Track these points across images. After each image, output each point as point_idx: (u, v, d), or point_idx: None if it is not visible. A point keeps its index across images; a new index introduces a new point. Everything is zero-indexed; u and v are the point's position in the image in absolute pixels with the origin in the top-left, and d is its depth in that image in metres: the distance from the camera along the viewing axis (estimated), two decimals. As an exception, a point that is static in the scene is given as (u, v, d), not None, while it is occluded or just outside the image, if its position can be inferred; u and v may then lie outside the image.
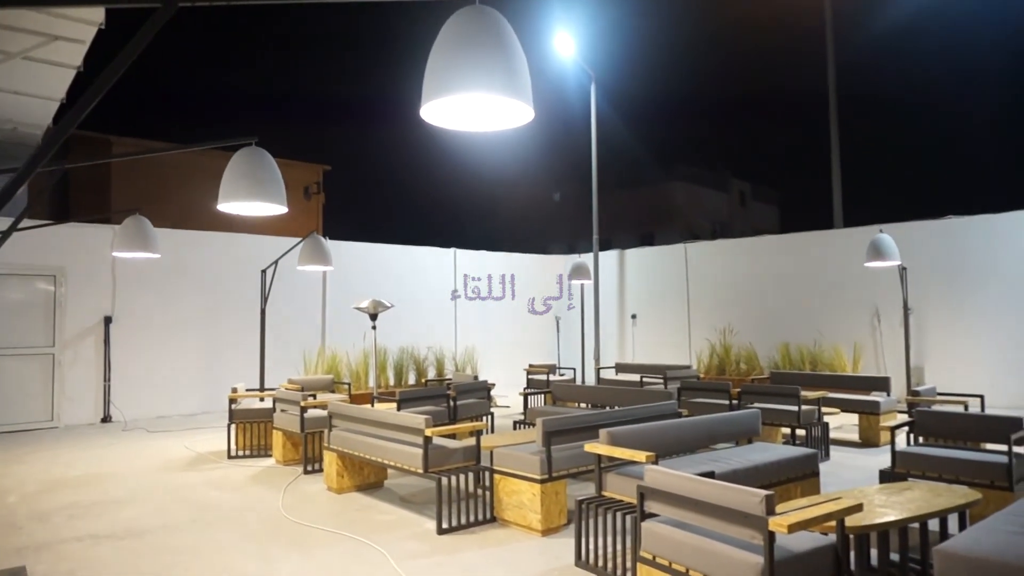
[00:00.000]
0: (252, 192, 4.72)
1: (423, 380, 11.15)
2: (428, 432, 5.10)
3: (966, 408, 6.65)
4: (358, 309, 9.28)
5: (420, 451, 5.16)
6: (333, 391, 9.35)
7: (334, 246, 12.64)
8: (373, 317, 9.27)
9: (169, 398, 11.04)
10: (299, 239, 9.08)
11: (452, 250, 14.38)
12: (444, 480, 5.03)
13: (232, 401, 7.79)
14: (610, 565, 4.08)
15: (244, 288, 11.70)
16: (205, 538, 4.91)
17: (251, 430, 7.78)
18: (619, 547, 4.27)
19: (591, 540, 4.43)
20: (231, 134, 4.79)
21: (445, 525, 4.99)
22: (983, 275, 11.03)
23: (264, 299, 8.70)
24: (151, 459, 7.71)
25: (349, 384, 9.33)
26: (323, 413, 6.93)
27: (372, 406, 7.76)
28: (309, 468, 6.91)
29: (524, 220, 43.59)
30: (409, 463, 5.25)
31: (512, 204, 45.22)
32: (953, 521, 4.54)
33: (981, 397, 7.21)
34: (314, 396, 7.90)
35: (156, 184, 18.22)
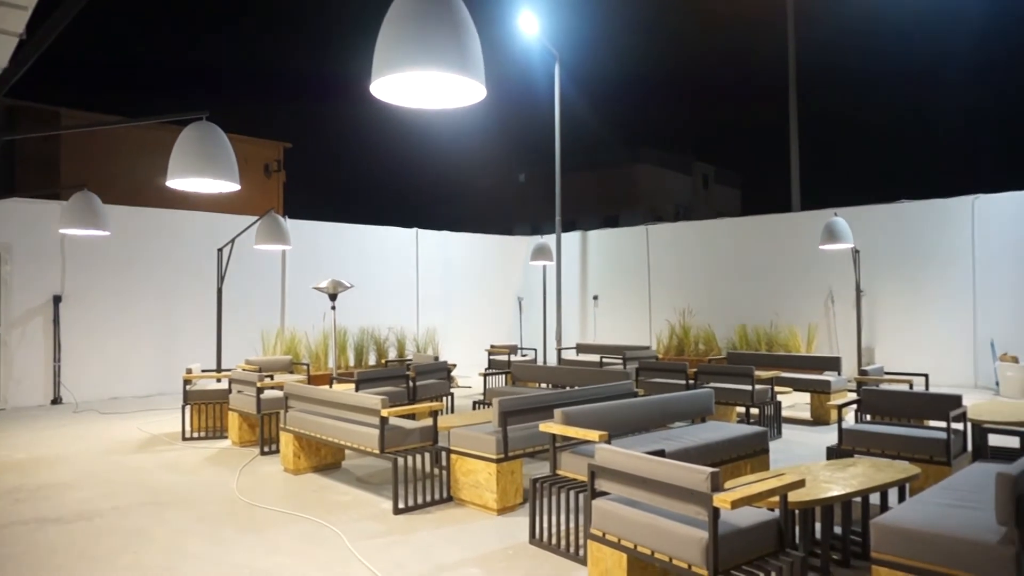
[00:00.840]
0: (202, 168, 4.61)
1: (383, 361, 11.09)
2: (384, 412, 5.08)
3: (911, 387, 6.86)
4: (317, 289, 9.17)
5: (376, 432, 5.14)
6: (292, 372, 9.25)
7: (294, 225, 12.46)
8: (333, 297, 9.18)
9: (122, 379, 10.81)
10: (257, 217, 8.92)
11: (414, 230, 14.28)
12: (401, 460, 5.03)
13: (187, 382, 7.66)
14: (563, 543, 4.14)
15: (201, 267, 11.47)
16: (156, 521, 4.84)
17: (206, 411, 7.66)
18: (572, 525, 4.33)
19: (545, 518, 4.49)
20: (188, 109, 4.67)
21: (401, 505, 4.99)
22: (932, 258, 11.35)
23: (220, 278, 8.54)
24: (102, 441, 7.55)
25: (308, 365, 9.23)
26: (280, 394, 6.86)
27: (331, 387, 7.70)
28: (266, 449, 6.84)
29: (490, 201, 43.47)
30: (365, 443, 5.24)
31: (478, 185, 45.03)
32: (894, 495, 4.70)
33: (926, 376, 7.45)
34: (271, 377, 7.80)
35: (109, 159, 17.70)
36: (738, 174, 46.47)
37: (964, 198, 11.11)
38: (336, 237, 13.24)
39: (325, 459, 6.20)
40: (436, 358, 9.42)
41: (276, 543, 4.36)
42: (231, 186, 4.83)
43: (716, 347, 12.60)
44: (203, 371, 8.27)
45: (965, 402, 6.44)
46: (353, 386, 7.41)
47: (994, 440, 6.54)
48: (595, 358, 10.66)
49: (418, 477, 5.45)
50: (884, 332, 11.71)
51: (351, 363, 11.36)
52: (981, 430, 5.40)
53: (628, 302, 15.04)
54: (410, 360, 9.97)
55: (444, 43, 2.62)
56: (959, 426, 5.13)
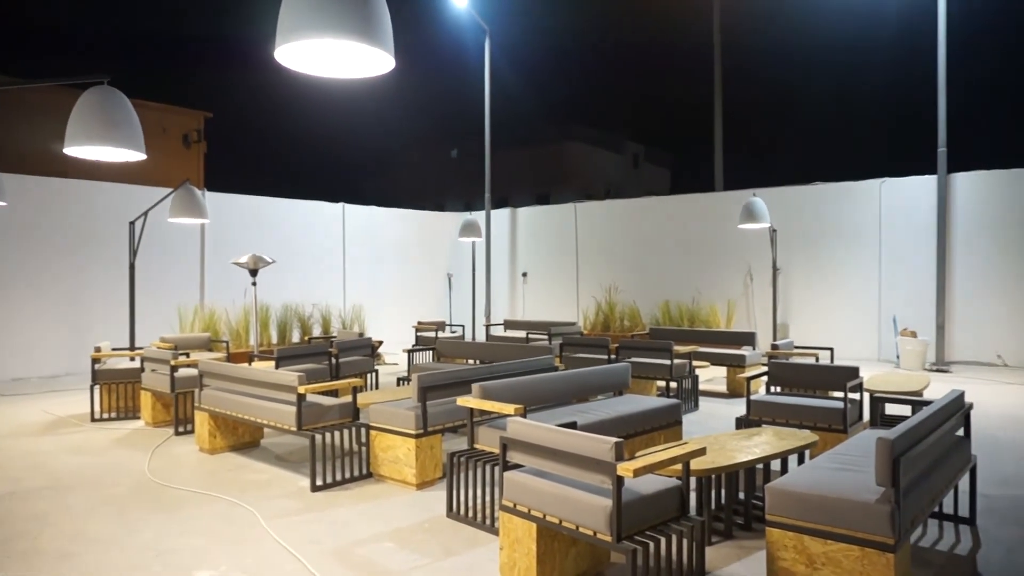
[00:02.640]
0: (103, 135, 4.39)
1: (307, 338, 10.90)
2: (302, 389, 5.00)
3: (816, 360, 7.21)
4: (237, 264, 8.90)
5: (294, 409, 5.06)
6: (211, 350, 8.98)
7: (215, 198, 12.02)
8: (253, 273, 8.93)
9: (26, 359, 10.26)
10: (172, 190, 8.55)
11: (341, 205, 13.99)
12: (319, 437, 4.97)
13: (95, 361, 7.34)
14: (479, 515, 4.19)
15: (112, 241, 10.94)
16: (59, 504, 4.64)
17: (117, 391, 7.37)
18: (488, 498, 4.39)
19: (462, 492, 4.53)
20: (89, 72, 4.42)
21: (319, 482, 4.95)
22: (842, 238, 11.89)
23: (133, 253, 8.17)
24: (3, 425, 7.17)
25: (228, 342, 8.98)
26: (196, 372, 6.66)
27: (251, 365, 7.52)
28: (181, 429, 6.64)
29: (421, 177, 42.99)
30: (283, 421, 5.15)
31: (408, 160, 44.42)
32: (794, 462, 4.95)
33: (831, 350, 7.84)
34: (187, 355, 7.55)
35: (9, 126, 16.60)
36: (668, 154, 47.34)
37: (872, 181, 11.66)
38: (259, 211, 12.84)
39: (243, 438, 6.07)
40: (361, 335, 9.31)
41: (187, 523, 4.26)
42: (135, 155, 4.61)
43: (640, 323, 12.90)
44: (114, 349, 7.93)
45: (867, 374, 6.82)
46: (273, 364, 7.26)
47: (891, 409, 6.95)
48: (522, 334, 10.76)
49: (337, 454, 5.41)
50: (798, 308, 12.24)
51: (274, 340, 11.11)
52: (877, 400, 5.73)
53: (556, 279, 15.21)
54: (334, 337, 9.83)
55: (348, 11, 2.56)
56: (856, 396, 5.44)
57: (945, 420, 3.66)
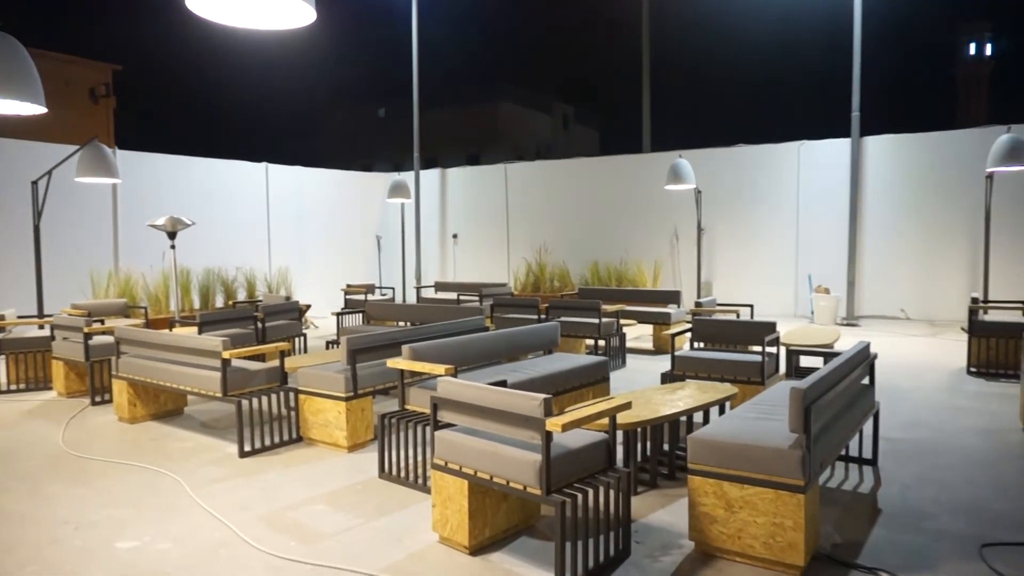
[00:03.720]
0: (-3, 88, 4.07)
1: (231, 302, 10.58)
2: (226, 354, 4.87)
3: (737, 316, 7.49)
4: (154, 227, 8.52)
5: (218, 374, 4.93)
6: (128, 316, 8.62)
7: (127, 157, 11.39)
8: (172, 236, 8.57)
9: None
10: (78, 147, 8.05)
11: (264, 165, 13.50)
12: (245, 403, 4.88)
13: None
14: (411, 475, 4.23)
15: (14, 202, 10.25)
16: (-35, 480, 4.41)
17: (26, 361, 7.00)
18: (419, 458, 4.42)
19: (394, 453, 4.55)
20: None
21: (248, 448, 4.87)
22: (763, 199, 12.30)
23: (37, 215, 7.68)
24: (-102, 398, 6.72)
25: (146, 308, 8.63)
26: (112, 340, 6.38)
27: (171, 331, 7.26)
28: (97, 399, 6.39)
29: (348, 136, 41.87)
30: (207, 387, 5.02)
31: (334, 120, 43.13)
32: (715, 413, 5.18)
33: (751, 307, 8.16)
34: (102, 322, 7.22)
35: None
36: (597, 115, 47.56)
37: (791, 144, 12.06)
38: (176, 171, 12.25)
39: (165, 406, 5.89)
40: (288, 298, 9.11)
41: (108, 495, 4.13)
42: (35, 108, 4.31)
43: (570, 283, 13.08)
44: (20, 317, 7.50)
45: (784, 329, 7.14)
46: (196, 329, 7.03)
47: (805, 361, 7.32)
48: (453, 296, 10.75)
49: (265, 419, 5.32)
50: (721, 267, 12.65)
51: (196, 306, 10.74)
52: (792, 353, 6.02)
53: (487, 240, 15.20)
54: (260, 301, 9.58)
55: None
56: (773, 350, 5.70)
57: (852, 370, 3.88)
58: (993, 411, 5.67)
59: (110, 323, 7.46)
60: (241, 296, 11.48)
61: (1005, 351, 6.83)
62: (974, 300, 7.17)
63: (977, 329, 6.97)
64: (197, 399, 6.45)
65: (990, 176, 8.58)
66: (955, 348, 8.56)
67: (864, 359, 4.19)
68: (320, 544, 3.41)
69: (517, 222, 14.83)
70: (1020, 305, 6.98)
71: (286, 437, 5.09)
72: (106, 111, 20.07)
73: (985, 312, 7.34)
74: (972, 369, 7.04)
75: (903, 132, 11.33)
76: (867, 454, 4.53)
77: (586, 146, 44.51)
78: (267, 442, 4.99)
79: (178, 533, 3.57)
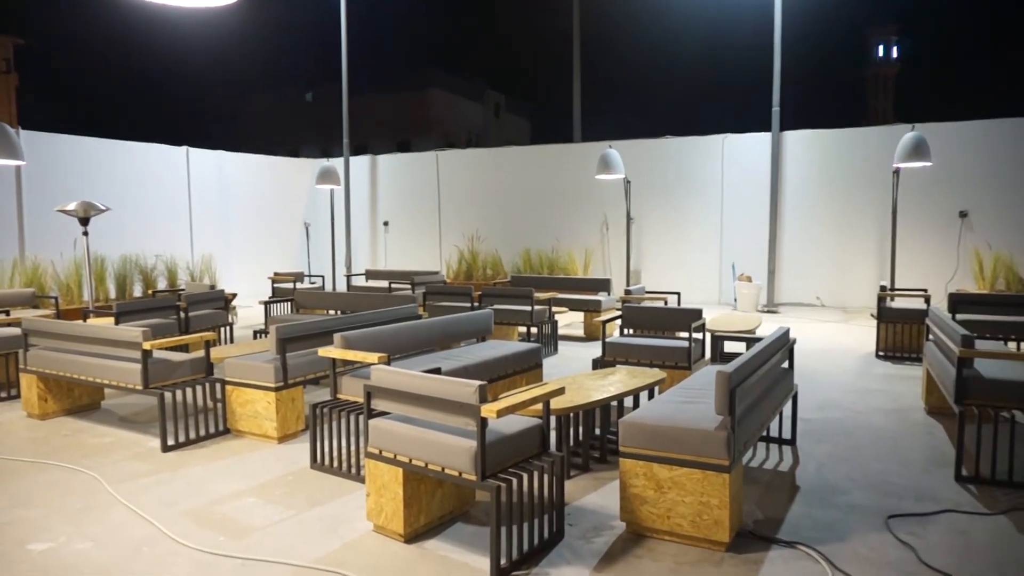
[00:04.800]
0: None
1: (151, 291, 10.15)
2: (147, 345, 4.68)
3: (665, 303, 7.70)
4: (64, 212, 8.06)
5: (139, 366, 4.74)
6: (36, 306, 8.15)
7: (33, 138, 10.73)
8: (84, 222, 8.12)
9: None
10: (-24, 126, 7.51)
11: (184, 148, 12.95)
12: (168, 395, 4.70)
13: None
14: (344, 465, 4.18)
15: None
16: None
17: (-78, 355, 6.52)
18: (352, 447, 4.37)
19: (326, 442, 4.48)
20: None
21: (171, 442, 4.70)
22: (689, 190, 12.64)
23: (-69, 198, 7.16)
24: None
25: (56, 298, 8.18)
26: (18, 331, 6.02)
27: (85, 321, 6.91)
28: (3, 395, 6.03)
29: (274, 121, 40.62)
30: (126, 380, 4.81)
31: (259, 104, 41.77)
32: (645, 397, 5.32)
33: (678, 294, 8.40)
34: (6, 312, 6.81)
35: None
36: (529, 104, 47.71)
37: (716, 137, 12.43)
38: (88, 154, 11.61)
39: (79, 400, 5.61)
40: (212, 287, 8.80)
41: (19, 495, 3.92)
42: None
43: (502, 271, 13.14)
44: (-85, 308, 6.99)
45: (709, 316, 7.38)
46: (113, 320, 6.72)
47: (729, 347, 7.59)
48: (385, 284, 10.62)
49: (190, 412, 5.15)
50: (649, 255, 12.95)
51: (112, 295, 10.25)
52: (717, 339, 6.24)
53: (419, 228, 15.07)
54: (182, 290, 9.22)
55: (188, -70, 2.34)
56: (699, 336, 5.89)
57: (773, 355, 4.06)
58: (898, 392, 6.04)
59: (16, 314, 7.04)
60: (161, 285, 11.02)
61: (909, 336, 7.27)
62: (882, 288, 7.60)
63: (884, 315, 7.39)
64: (115, 392, 6.17)
65: (896, 171, 9.08)
66: (865, 333, 9.06)
67: (784, 344, 4.39)
68: (250, 538, 3.34)
69: (449, 210, 14.76)
70: (923, 293, 7.44)
71: (212, 430, 4.94)
72: (7, 88, 18.82)
73: (892, 299, 7.78)
74: (880, 353, 7.47)
75: (820, 128, 11.85)
76: (787, 435, 4.76)
77: (517, 135, 44.62)
78: (192, 435, 4.83)
79: (97, 532, 3.43)
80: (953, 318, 6.38)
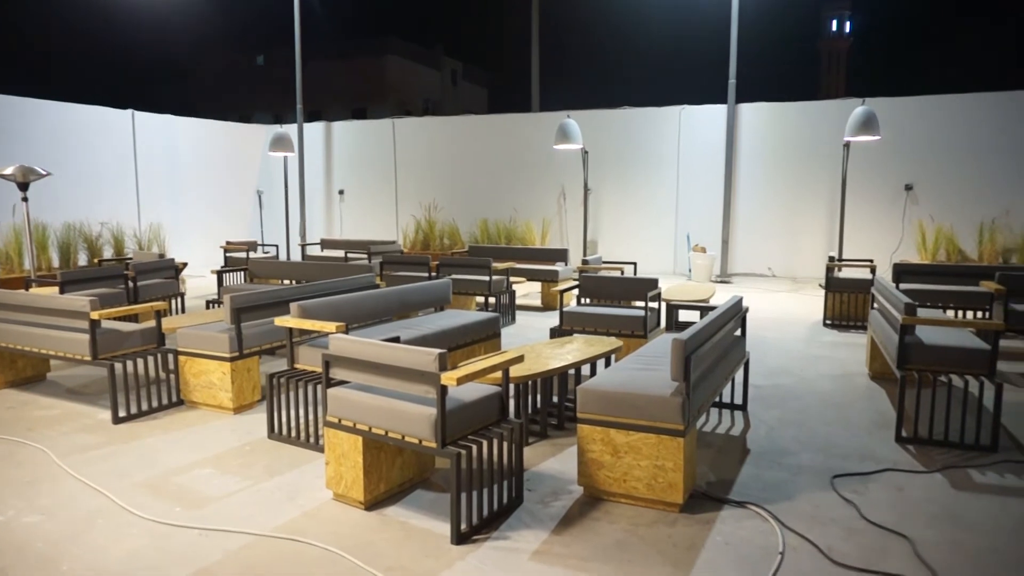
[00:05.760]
0: None
1: (97, 260, 9.83)
2: (95, 315, 4.55)
3: (622, 273, 7.79)
4: (1, 176, 7.71)
5: (87, 337, 4.61)
6: (-26, 276, 7.82)
7: (-38, 98, 10.19)
8: (23, 187, 7.79)
9: None
10: (-97, 85, 7.10)
11: (129, 112, 12.47)
12: (119, 366, 4.60)
13: None
14: (302, 434, 4.16)
15: None
16: None
17: None
18: (311, 416, 4.35)
19: (284, 412, 4.45)
20: None
21: (123, 413, 4.61)
22: (646, 161, 12.73)
23: None
24: None
25: (-4, 267, 7.86)
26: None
27: (27, 291, 6.67)
28: (-58, 366, 5.79)
29: (224, 85, 39.34)
30: (74, 351, 4.68)
31: (209, 66, 40.35)
32: (602, 365, 5.40)
33: (634, 264, 8.50)
34: (-57, 282, 6.53)
35: None
36: (487, 73, 47.15)
37: (673, 108, 12.50)
38: (25, 115, 11.09)
39: (23, 372, 5.44)
40: (162, 256, 8.57)
41: (-39, 468, 3.80)
42: None
43: (460, 241, 13.09)
44: None
45: (664, 286, 7.50)
46: (56, 289, 6.50)
47: (684, 315, 7.75)
48: (341, 254, 10.49)
49: (142, 383, 5.05)
50: (606, 226, 13.04)
51: (55, 264, 9.89)
52: (672, 307, 6.35)
53: (375, 197, 14.88)
54: (130, 259, 8.96)
55: None
56: (655, 305, 5.99)
57: (726, 323, 4.16)
58: (844, 359, 6.26)
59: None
60: (108, 254, 10.69)
61: (855, 305, 7.52)
62: (830, 259, 7.82)
63: (832, 285, 7.62)
64: (62, 364, 6.00)
65: (847, 145, 9.29)
66: (814, 302, 9.33)
67: (737, 313, 4.50)
68: (207, 508, 3.31)
69: (406, 179, 14.59)
70: (869, 263, 7.68)
71: (165, 401, 4.85)
72: (-64, 45, 17.74)
73: (839, 269, 8.02)
74: (828, 321, 7.71)
75: (774, 101, 12.01)
76: (738, 400, 4.90)
77: (475, 103, 44.11)
78: (144, 407, 4.74)
79: (47, 505, 3.35)
80: (897, 287, 6.62)
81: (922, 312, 5.18)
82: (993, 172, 10.67)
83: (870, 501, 3.35)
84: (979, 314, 7.12)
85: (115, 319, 5.73)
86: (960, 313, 7.46)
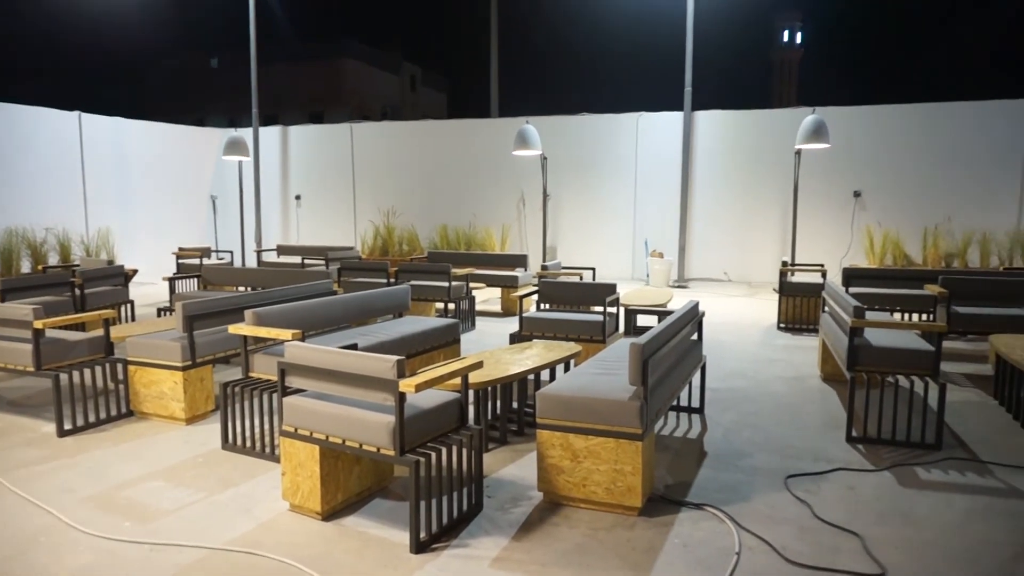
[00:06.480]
0: None
1: (40, 267, 9.49)
2: (38, 324, 4.39)
3: (580, 279, 7.85)
4: (-62, 181, 7.40)
5: (29, 346, 4.44)
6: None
7: None
8: (-38, 191, 7.49)
9: None
10: None
11: (76, 114, 12.09)
12: (64, 377, 4.44)
13: None
14: (257, 444, 4.08)
15: None
16: None
17: None
18: (267, 426, 4.27)
19: (238, 422, 4.36)
20: None
21: (68, 426, 4.45)
22: (605, 167, 12.85)
23: None
24: None
25: (-68, 274, 7.53)
26: None
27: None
28: None
29: (176, 88, 38.49)
30: (15, 361, 4.51)
31: (160, 67, 39.43)
32: (561, 370, 5.43)
33: (593, 270, 8.57)
34: None
35: None
36: (445, 78, 47.08)
37: (631, 115, 12.66)
38: (-36, 117, 10.67)
39: (-38, 384, 5.22)
40: (110, 263, 8.32)
41: None
42: None
43: (419, 247, 13.02)
44: None
45: (622, 291, 7.57)
46: (-2, 297, 6.25)
47: (641, 320, 7.82)
48: (297, 260, 10.33)
49: (89, 394, 4.89)
50: (565, 232, 13.12)
51: (-4, 271, 9.53)
52: (631, 312, 6.42)
53: (332, 203, 14.70)
54: (76, 266, 8.68)
55: None
56: (613, 310, 6.05)
57: (683, 327, 4.22)
58: (797, 361, 6.40)
59: None
60: (53, 260, 10.33)
61: (807, 308, 7.71)
62: (783, 264, 8.00)
63: (785, 289, 7.80)
64: (3, 375, 5.77)
65: (798, 152, 9.54)
66: (768, 306, 9.53)
67: (693, 317, 4.56)
68: (158, 522, 3.22)
69: (364, 184, 14.46)
70: (820, 268, 7.88)
71: (114, 412, 4.70)
72: None
73: (792, 274, 8.22)
74: (781, 325, 7.89)
75: (729, 109, 12.26)
76: (695, 403, 4.97)
77: (434, 109, 44.01)
78: (92, 419, 4.59)
79: (-13, 522, 3.22)
80: (847, 291, 6.81)
81: (870, 315, 5.33)
82: (936, 180, 11.06)
83: (822, 500, 3.43)
84: (924, 316, 7.37)
85: (60, 328, 5.54)
86: (906, 316, 7.70)
